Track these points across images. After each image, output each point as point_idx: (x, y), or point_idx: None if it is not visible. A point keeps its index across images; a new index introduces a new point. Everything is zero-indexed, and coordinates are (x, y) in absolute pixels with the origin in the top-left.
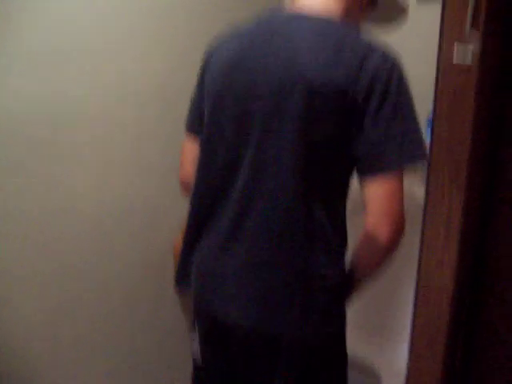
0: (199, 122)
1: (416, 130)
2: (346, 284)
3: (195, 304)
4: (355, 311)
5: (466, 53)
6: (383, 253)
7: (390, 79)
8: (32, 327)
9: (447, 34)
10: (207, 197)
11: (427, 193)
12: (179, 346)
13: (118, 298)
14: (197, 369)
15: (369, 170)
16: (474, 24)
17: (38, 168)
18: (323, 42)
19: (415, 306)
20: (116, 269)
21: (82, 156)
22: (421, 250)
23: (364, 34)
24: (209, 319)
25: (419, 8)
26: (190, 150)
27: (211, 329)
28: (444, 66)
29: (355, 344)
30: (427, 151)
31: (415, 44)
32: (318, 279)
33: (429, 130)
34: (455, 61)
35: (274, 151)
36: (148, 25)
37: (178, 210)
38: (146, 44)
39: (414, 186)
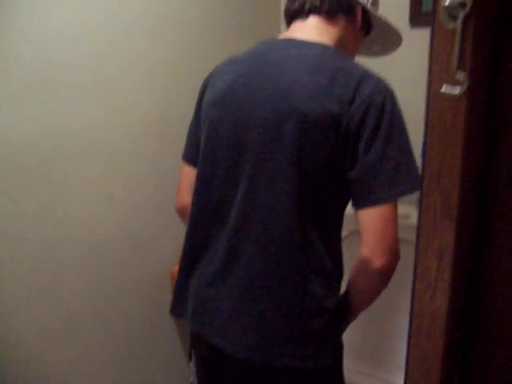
0: (196, 150)
1: (409, 159)
2: (342, 312)
3: (192, 333)
4: (351, 340)
5: (453, 91)
6: (378, 280)
7: (383, 108)
8: (31, 352)
9: (434, 75)
10: (203, 225)
11: (419, 226)
12: (176, 372)
13: (115, 327)
14: None
15: (362, 200)
16: (460, 65)
17: (31, 197)
18: (317, 70)
19: (409, 335)
20: (112, 297)
21: (76, 186)
22: (414, 282)
23: (357, 62)
24: (205, 348)
25: (412, 32)
26: (187, 179)
27: (208, 357)
28: (433, 100)
29: (351, 373)
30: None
31: (408, 68)
32: (313, 308)
33: (421, 161)
34: (444, 95)
35: (269, 180)
36: (143, 57)
37: (175, 238)
38: (140, 76)
39: (409, 210)
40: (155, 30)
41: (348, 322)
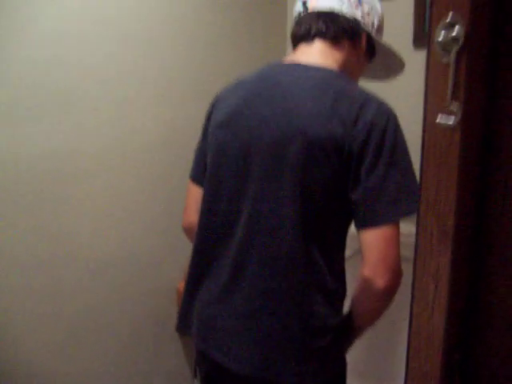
0: (203, 171)
1: (411, 181)
2: (346, 331)
3: (197, 349)
4: (353, 358)
5: (448, 121)
6: (380, 299)
7: (385, 131)
8: (36, 363)
9: (430, 106)
10: (209, 244)
11: (416, 249)
12: None
13: (119, 343)
14: None
15: (365, 220)
16: (454, 97)
17: (40, 215)
18: (321, 94)
19: (408, 355)
20: (117, 313)
21: (83, 205)
22: (411, 303)
23: (360, 85)
24: (210, 364)
25: (415, 53)
26: (194, 198)
27: (213, 373)
28: (429, 129)
29: None
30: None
31: (411, 88)
32: (317, 326)
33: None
34: (439, 125)
35: (274, 200)
36: (151, 81)
37: (180, 255)
38: (148, 99)
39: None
40: (164, 55)
41: (351, 341)
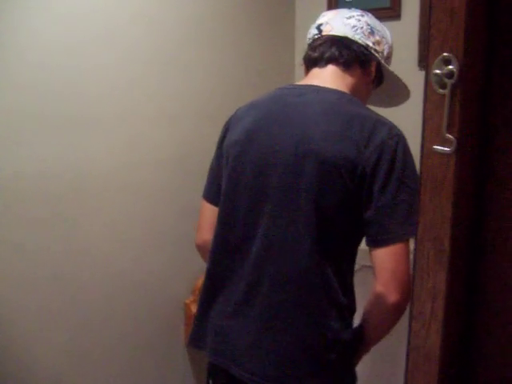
0: (216, 189)
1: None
2: (356, 344)
3: (210, 363)
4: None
5: (444, 150)
6: (391, 315)
7: (396, 152)
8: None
9: (427, 135)
10: (224, 260)
11: (414, 270)
12: None
13: (127, 358)
14: None
15: (376, 239)
16: (449, 128)
17: (51, 229)
18: (333, 115)
19: (406, 371)
20: (125, 328)
21: (93, 220)
22: (410, 321)
23: (370, 109)
24: (225, 377)
25: (420, 74)
26: (208, 217)
27: None
28: (426, 156)
29: None
30: None
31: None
32: (330, 340)
33: None
34: (435, 153)
35: (289, 219)
36: (166, 99)
37: (187, 271)
38: (161, 117)
39: None
40: (179, 74)
41: (361, 355)
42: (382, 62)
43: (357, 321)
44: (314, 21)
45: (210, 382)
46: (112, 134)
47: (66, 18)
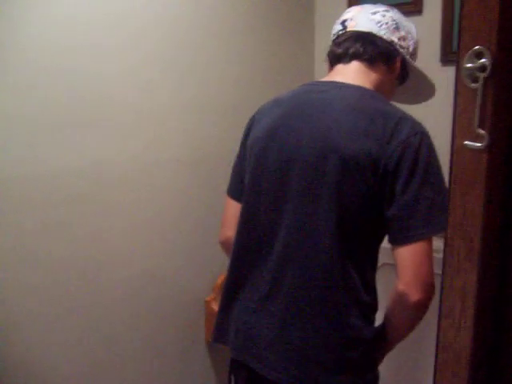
0: (240, 186)
1: (444, 198)
2: (379, 343)
3: (233, 358)
4: (381, 372)
5: (475, 146)
6: (414, 314)
7: (419, 149)
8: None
9: (458, 131)
10: (247, 256)
11: (443, 267)
12: None
13: (149, 354)
14: None
15: (399, 237)
16: (481, 124)
17: (75, 226)
18: (356, 112)
19: (435, 371)
20: (146, 327)
21: (114, 219)
22: (439, 320)
23: (393, 105)
24: (247, 373)
25: (442, 70)
26: (232, 213)
27: (248, 380)
28: (456, 153)
29: None
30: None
31: (438, 104)
32: (352, 338)
33: None
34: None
35: (311, 215)
36: (183, 96)
37: (208, 268)
38: (178, 112)
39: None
40: (197, 72)
41: (384, 354)
42: (408, 58)
43: (379, 319)
44: (338, 17)
45: (232, 377)
46: (128, 136)
47: (76, 17)
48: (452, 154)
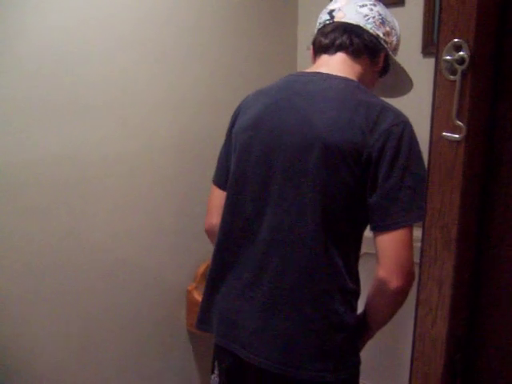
0: (225, 174)
1: (425, 186)
2: (361, 330)
3: (217, 345)
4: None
5: (453, 137)
6: (394, 300)
7: (401, 138)
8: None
9: (436, 122)
10: (231, 244)
11: (421, 257)
12: None
13: (131, 345)
14: None
15: (380, 224)
16: (459, 115)
17: (54, 216)
18: (340, 102)
19: (412, 357)
20: (128, 315)
21: (96, 205)
22: (416, 308)
23: (376, 96)
24: (231, 359)
25: (424, 61)
26: (217, 201)
27: (234, 368)
28: (435, 143)
29: None
30: None
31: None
32: (335, 324)
33: None
34: (444, 139)
35: (296, 203)
36: (169, 87)
37: (190, 257)
38: (166, 104)
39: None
40: (180, 63)
41: (365, 341)
42: (390, 52)
43: (360, 307)
44: (321, 8)
45: (216, 363)
46: (113, 122)
47: (66, 4)
48: (430, 145)
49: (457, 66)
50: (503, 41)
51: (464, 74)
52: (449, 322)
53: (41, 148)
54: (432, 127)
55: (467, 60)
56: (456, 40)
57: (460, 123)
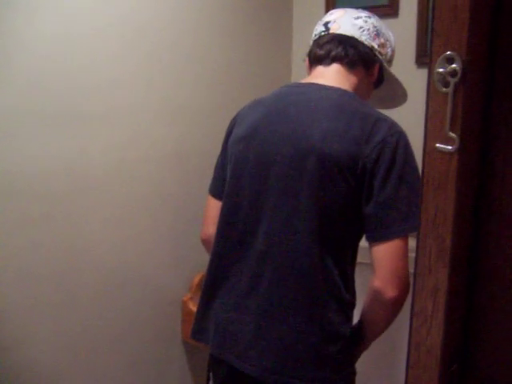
0: (222, 185)
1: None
2: (356, 340)
3: (212, 355)
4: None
5: (446, 148)
6: (390, 310)
7: (396, 148)
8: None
9: (429, 134)
10: (227, 254)
11: (415, 267)
12: None
13: (126, 355)
14: None
15: (376, 235)
16: (452, 127)
17: (50, 229)
18: (335, 113)
19: (407, 367)
20: (123, 325)
21: (93, 217)
22: (411, 318)
23: (371, 106)
24: (226, 369)
25: (418, 72)
26: (213, 212)
27: (229, 378)
28: (428, 155)
29: None
30: None
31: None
32: (330, 334)
33: None
34: (438, 151)
35: (291, 214)
36: (166, 99)
37: (185, 268)
38: (162, 115)
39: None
40: (179, 71)
41: (361, 351)
42: (385, 64)
43: (356, 317)
44: (315, 19)
45: (211, 374)
46: (110, 131)
47: (63, 12)
48: (424, 156)
49: (449, 79)
50: (495, 53)
51: (456, 87)
52: (444, 331)
53: (37, 158)
54: (425, 139)
55: (459, 72)
56: (448, 53)
57: (453, 135)
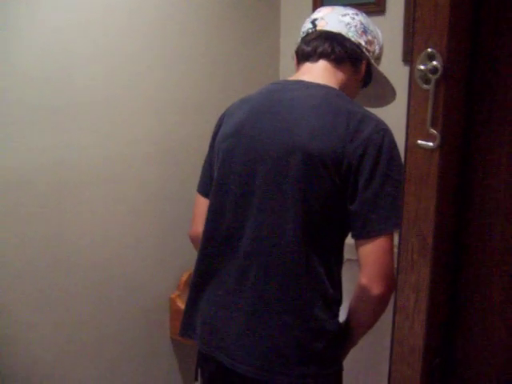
0: (209, 183)
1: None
2: (344, 336)
3: (200, 352)
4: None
5: (428, 145)
6: (376, 306)
7: (381, 146)
8: (35, 371)
9: (411, 130)
10: (214, 252)
11: (398, 263)
12: None
13: (114, 353)
14: None
15: (361, 232)
16: (433, 123)
17: (39, 225)
18: (322, 110)
19: (391, 362)
20: (111, 323)
21: (82, 217)
22: (394, 314)
23: (357, 104)
24: (214, 366)
25: (404, 69)
26: (201, 210)
27: (217, 375)
28: (410, 151)
29: None
30: None
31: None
32: (316, 330)
33: None
34: (419, 148)
35: (276, 211)
36: (153, 97)
37: (173, 266)
38: (147, 110)
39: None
40: (166, 70)
41: (348, 348)
42: (372, 61)
43: (343, 314)
44: (303, 17)
45: (199, 370)
46: (97, 127)
47: (54, 7)
48: (406, 153)
49: (430, 76)
50: (476, 50)
51: (437, 83)
52: (426, 327)
53: (21, 153)
54: (407, 135)
55: (440, 69)
56: (429, 50)
57: (434, 131)
